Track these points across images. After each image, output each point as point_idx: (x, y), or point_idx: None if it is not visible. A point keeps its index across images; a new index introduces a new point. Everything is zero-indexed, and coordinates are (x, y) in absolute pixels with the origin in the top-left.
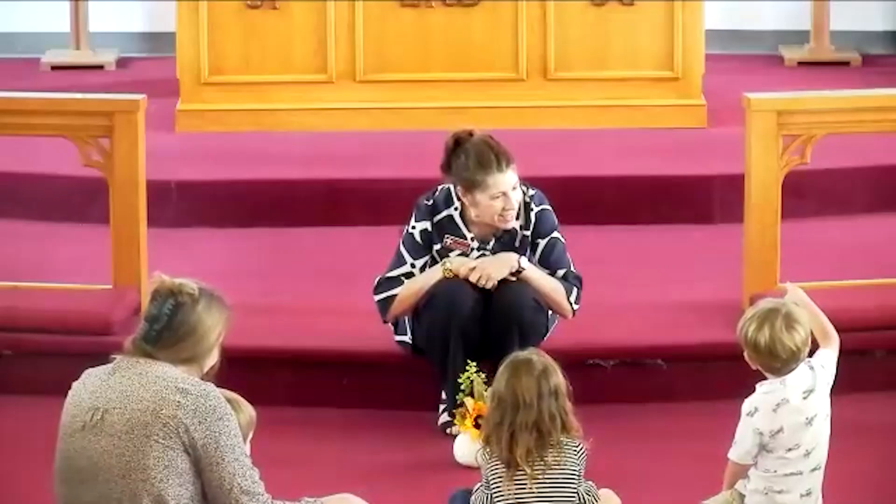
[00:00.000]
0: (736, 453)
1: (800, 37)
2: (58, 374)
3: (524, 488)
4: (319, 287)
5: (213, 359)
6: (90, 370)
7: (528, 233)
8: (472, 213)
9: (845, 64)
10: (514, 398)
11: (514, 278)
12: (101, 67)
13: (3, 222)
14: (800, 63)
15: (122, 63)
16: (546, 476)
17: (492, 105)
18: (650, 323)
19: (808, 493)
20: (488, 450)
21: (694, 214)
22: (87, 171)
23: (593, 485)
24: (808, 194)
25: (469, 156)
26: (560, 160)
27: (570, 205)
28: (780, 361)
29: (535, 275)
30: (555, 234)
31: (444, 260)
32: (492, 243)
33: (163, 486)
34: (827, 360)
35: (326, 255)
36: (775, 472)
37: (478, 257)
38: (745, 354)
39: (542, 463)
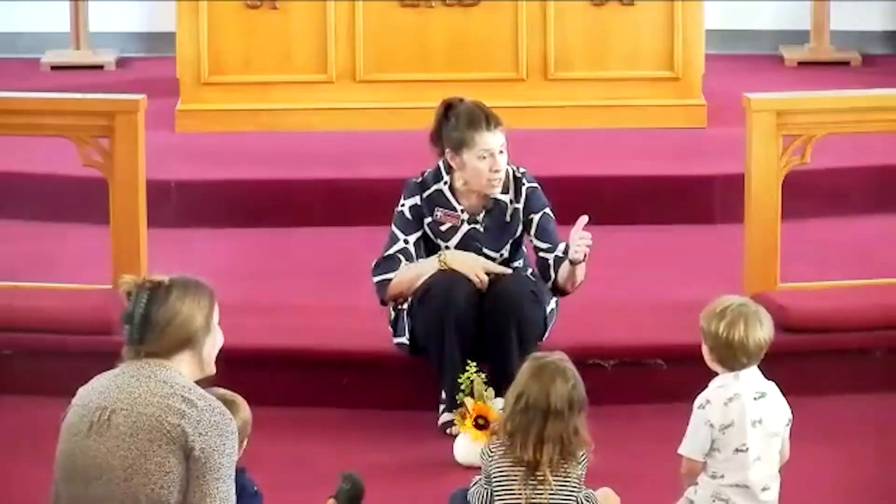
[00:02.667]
0: (687, 448)
1: (800, 37)
2: (58, 374)
3: (535, 493)
4: (319, 287)
5: (214, 339)
6: (98, 376)
7: (520, 206)
8: (460, 181)
9: (845, 64)
10: (547, 405)
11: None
12: (101, 67)
13: (3, 222)
14: (800, 63)
15: (122, 63)
16: (555, 483)
17: (492, 105)
18: (650, 323)
19: None
20: (501, 448)
21: (694, 214)
22: (87, 171)
23: (592, 492)
24: (808, 194)
25: (459, 116)
26: (560, 160)
27: (570, 205)
28: (747, 357)
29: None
30: (546, 209)
31: (441, 252)
32: (482, 216)
33: (162, 492)
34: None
35: (326, 255)
36: (723, 477)
37: (468, 230)
38: (709, 349)
39: (559, 472)
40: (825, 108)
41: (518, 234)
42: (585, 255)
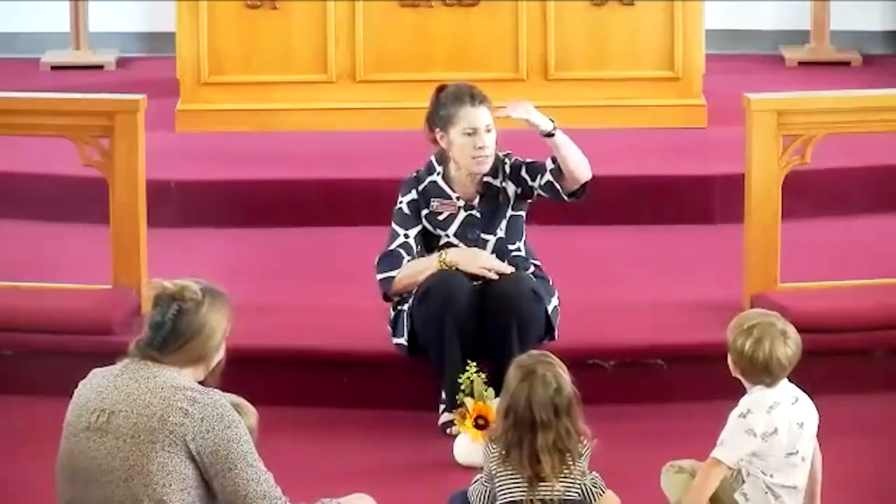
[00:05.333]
0: (724, 453)
1: (800, 37)
2: (58, 374)
3: (539, 494)
4: (319, 287)
5: (220, 355)
6: (97, 370)
7: (508, 184)
8: (452, 167)
9: (845, 64)
10: (532, 419)
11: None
12: (101, 67)
13: (3, 222)
14: (800, 63)
15: (122, 63)
16: (558, 482)
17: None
18: (650, 323)
19: None
20: (505, 460)
21: (694, 214)
22: (87, 171)
23: (598, 476)
24: (808, 194)
25: (447, 94)
26: None
27: (570, 204)
28: (770, 376)
29: (564, 138)
30: (528, 159)
31: (441, 251)
32: (477, 200)
33: (165, 492)
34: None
35: (326, 255)
36: (772, 476)
37: (465, 217)
38: (734, 363)
39: (563, 474)
40: (825, 108)
41: (510, 210)
42: (553, 126)
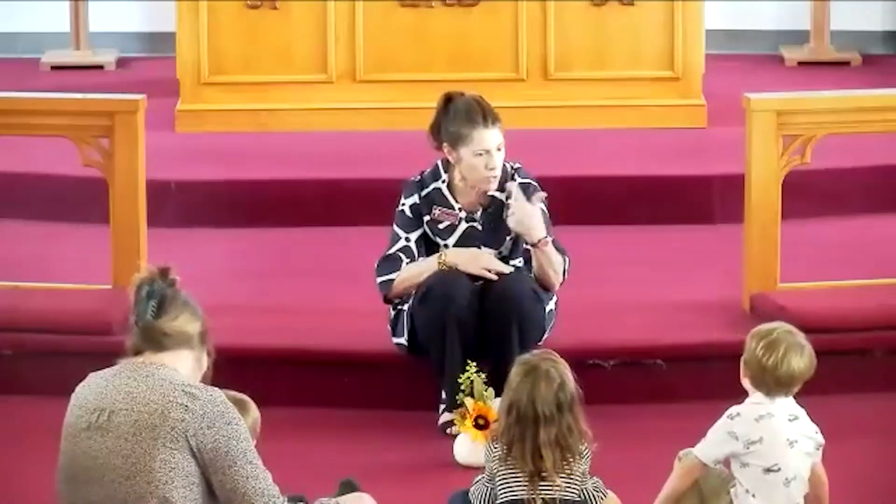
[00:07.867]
0: (703, 451)
1: (800, 37)
2: (58, 374)
3: (539, 493)
4: (319, 287)
5: (205, 360)
6: (93, 373)
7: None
8: (457, 176)
9: (845, 64)
10: (535, 413)
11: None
12: (101, 67)
13: (3, 222)
14: (800, 63)
15: (122, 63)
16: (560, 481)
17: (492, 105)
18: (650, 323)
19: None
20: (507, 457)
21: (694, 214)
22: (87, 171)
23: (600, 481)
24: (808, 194)
25: (458, 110)
26: (560, 160)
27: (570, 205)
28: (777, 383)
29: (551, 249)
30: (540, 204)
31: (441, 252)
32: (479, 213)
33: (168, 489)
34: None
35: (326, 255)
36: (754, 496)
37: (466, 228)
38: (744, 363)
39: (563, 472)
40: (825, 108)
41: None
42: (540, 241)
